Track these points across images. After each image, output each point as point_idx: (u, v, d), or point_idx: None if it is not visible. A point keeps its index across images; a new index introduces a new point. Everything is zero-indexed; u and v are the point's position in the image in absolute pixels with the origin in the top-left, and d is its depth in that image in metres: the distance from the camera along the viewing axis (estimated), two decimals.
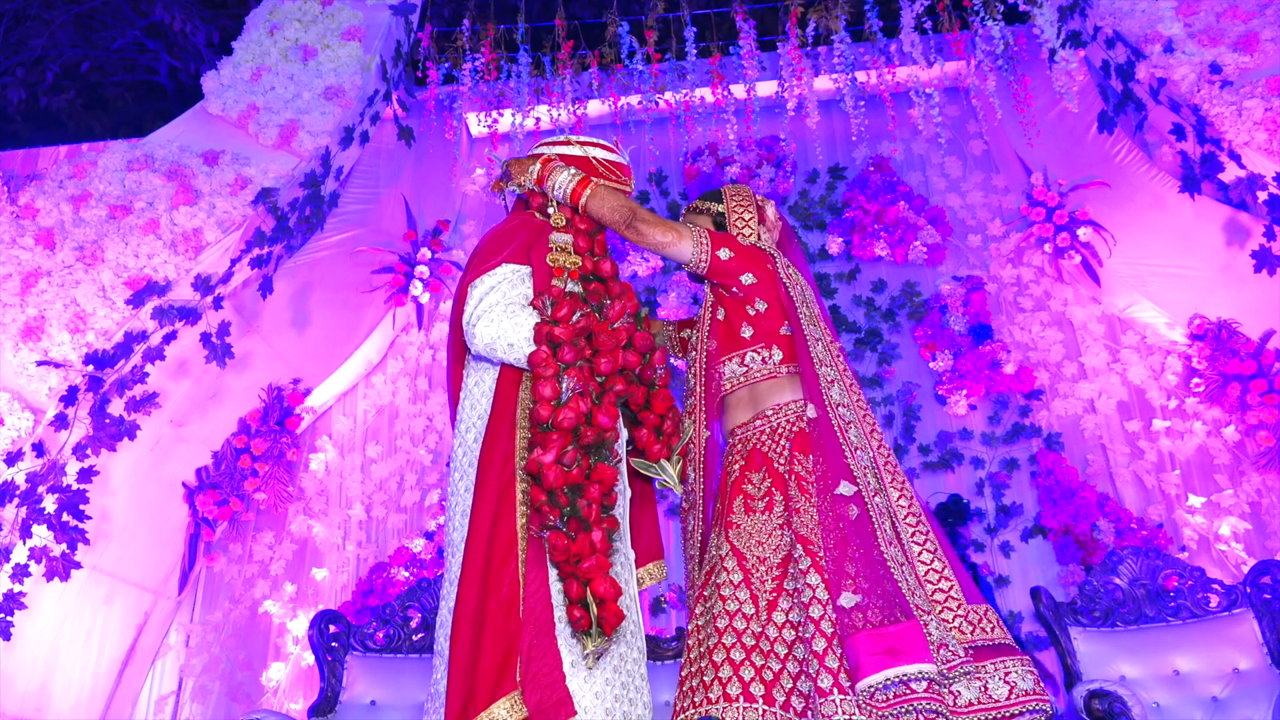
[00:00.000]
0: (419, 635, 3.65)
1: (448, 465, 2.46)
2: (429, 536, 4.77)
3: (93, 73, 8.98)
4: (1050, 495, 4.51)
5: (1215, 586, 3.48)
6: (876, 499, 2.21)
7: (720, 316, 2.48)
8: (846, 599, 2.07)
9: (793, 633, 2.12)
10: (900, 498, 2.28)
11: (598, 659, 2.07)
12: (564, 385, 2.16)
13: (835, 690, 2.00)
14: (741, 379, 2.43)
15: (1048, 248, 4.97)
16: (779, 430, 2.36)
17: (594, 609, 2.04)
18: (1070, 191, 4.92)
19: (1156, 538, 4.29)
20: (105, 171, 4.07)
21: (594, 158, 2.50)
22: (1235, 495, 4.40)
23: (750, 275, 2.43)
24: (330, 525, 4.93)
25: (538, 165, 2.42)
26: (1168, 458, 4.58)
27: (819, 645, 2.05)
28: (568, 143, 2.53)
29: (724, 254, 2.43)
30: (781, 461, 2.31)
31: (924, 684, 1.96)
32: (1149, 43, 4.03)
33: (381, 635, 3.68)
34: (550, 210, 2.41)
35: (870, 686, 1.96)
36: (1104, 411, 4.73)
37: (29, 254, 3.83)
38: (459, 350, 2.47)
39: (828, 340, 2.45)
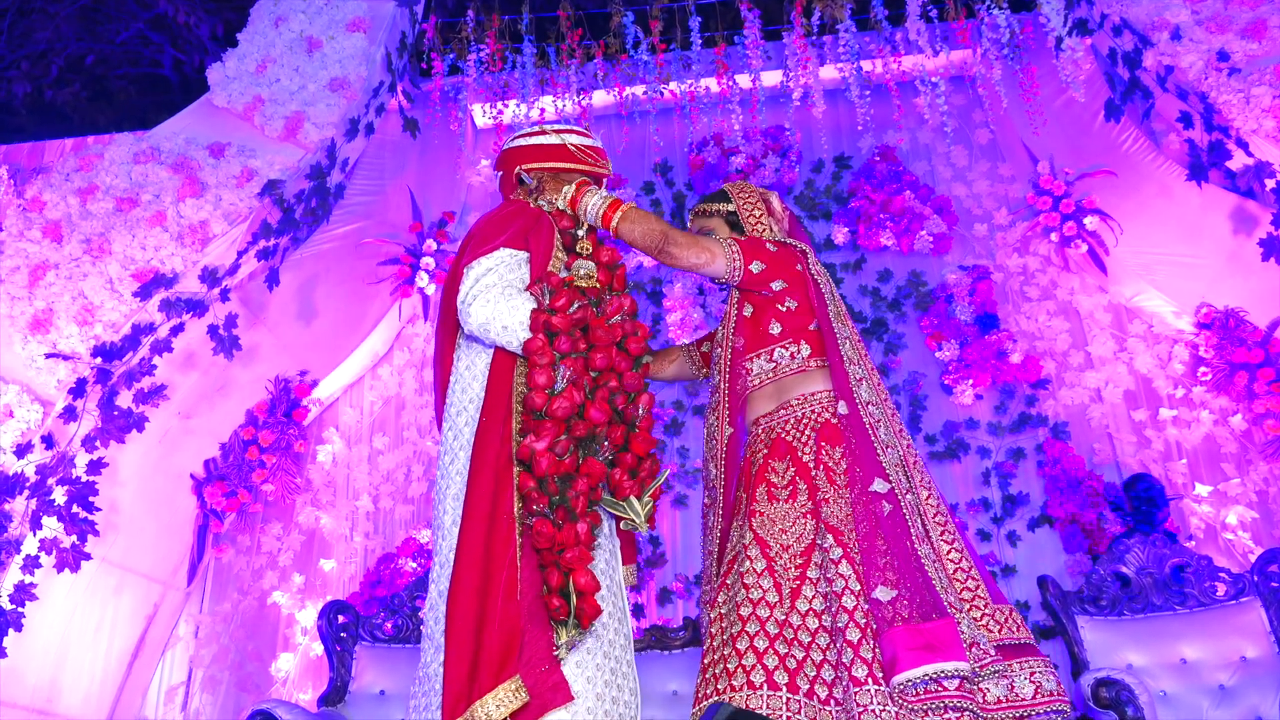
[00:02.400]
0: None
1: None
2: None
3: (97, 65, 8.98)
4: (1057, 484, 4.50)
5: (1222, 575, 3.49)
6: (908, 497, 2.22)
7: (747, 313, 2.47)
8: (883, 592, 2.08)
9: (816, 621, 2.13)
10: (929, 496, 2.29)
11: (570, 650, 2.08)
12: (559, 374, 2.16)
13: (870, 680, 2.01)
14: (770, 375, 2.42)
15: (1054, 237, 4.95)
16: (804, 420, 2.36)
17: (573, 600, 2.05)
18: (1077, 180, 4.90)
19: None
20: (112, 164, 4.07)
21: (570, 144, 2.52)
22: (1242, 484, 4.39)
23: (781, 281, 2.44)
24: (338, 516, 4.95)
25: (572, 188, 2.42)
26: (1175, 447, 4.57)
27: (853, 635, 2.06)
28: (542, 131, 2.54)
29: (756, 267, 2.43)
30: (806, 451, 2.31)
31: (956, 681, 1.98)
32: (1156, 30, 4.01)
33: (390, 625, 3.70)
34: (580, 232, 2.40)
35: (907, 681, 1.97)
36: (1110, 400, 4.72)
37: (36, 247, 3.84)
38: (449, 333, 2.46)
39: (855, 339, 2.45)
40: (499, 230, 2.35)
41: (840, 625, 2.08)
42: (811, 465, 2.28)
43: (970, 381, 4.77)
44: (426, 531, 4.77)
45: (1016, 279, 5.07)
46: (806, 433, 2.34)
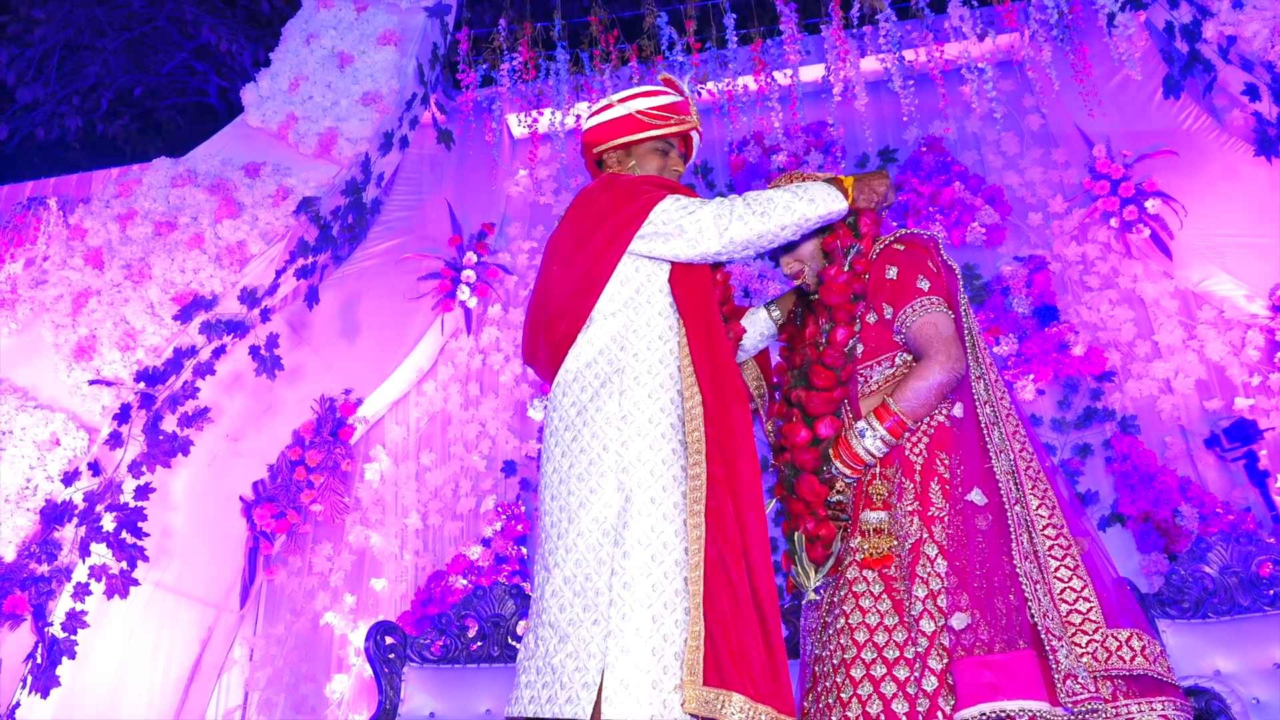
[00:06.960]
0: (476, 645, 3.59)
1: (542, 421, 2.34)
2: (486, 544, 4.72)
3: (145, 97, 9.13)
4: (1127, 481, 4.30)
5: None
6: (1015, 508, 2.04)
7: (872, 320, 2.30)
8: (958, 619, 1.93)
9: (932, 624, 1.98)
10: (1040, 506, 2.10)
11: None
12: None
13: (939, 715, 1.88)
14: (890, 378, 2.28)
15: (1114, 222, 4.75)
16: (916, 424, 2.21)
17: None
18: (1136, 162, 4.70)
19: (1245, 522, 4.06)
20: (150, 189, 4.08)
21: (637, 111, 2.34)
22: None
23: (939, 297, 2.30)
24: (387, 535, 4.91)
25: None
26: None
27: (935, 663, 1.93)
28: (609, 105, 2.37)
29: (924, 285, 2.29)
30: (914, 454, 2.16)
31: (1026, 717, 1.82)
32: None
33: (438, 645, 3.63)
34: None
35: (964, 719, 1.83)
36: (1181, 391, 4.50)
37: (79, 274, 3.85)
38: (594, 279, 2.16)
39: (976, 331, 2.30)
40: (653, 184, 2.20)
41: (921, 650, 1.94)
42: (919, 469, 2.13)
43: (1031, 376, 4.59)
44: (477, 548, 4.71)
45: (1075, 268, 4.87)
46: (916, 436, 2.18)
